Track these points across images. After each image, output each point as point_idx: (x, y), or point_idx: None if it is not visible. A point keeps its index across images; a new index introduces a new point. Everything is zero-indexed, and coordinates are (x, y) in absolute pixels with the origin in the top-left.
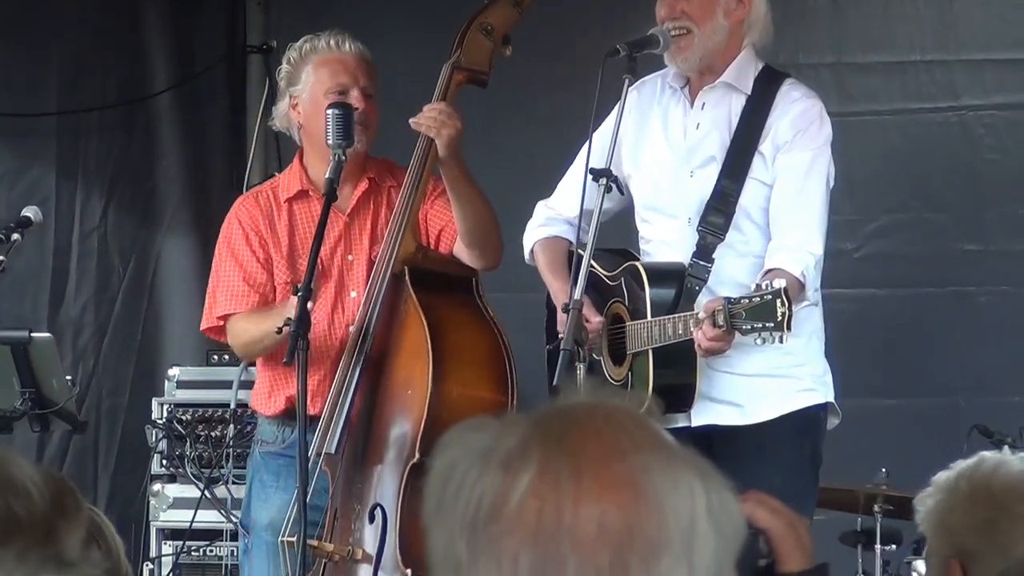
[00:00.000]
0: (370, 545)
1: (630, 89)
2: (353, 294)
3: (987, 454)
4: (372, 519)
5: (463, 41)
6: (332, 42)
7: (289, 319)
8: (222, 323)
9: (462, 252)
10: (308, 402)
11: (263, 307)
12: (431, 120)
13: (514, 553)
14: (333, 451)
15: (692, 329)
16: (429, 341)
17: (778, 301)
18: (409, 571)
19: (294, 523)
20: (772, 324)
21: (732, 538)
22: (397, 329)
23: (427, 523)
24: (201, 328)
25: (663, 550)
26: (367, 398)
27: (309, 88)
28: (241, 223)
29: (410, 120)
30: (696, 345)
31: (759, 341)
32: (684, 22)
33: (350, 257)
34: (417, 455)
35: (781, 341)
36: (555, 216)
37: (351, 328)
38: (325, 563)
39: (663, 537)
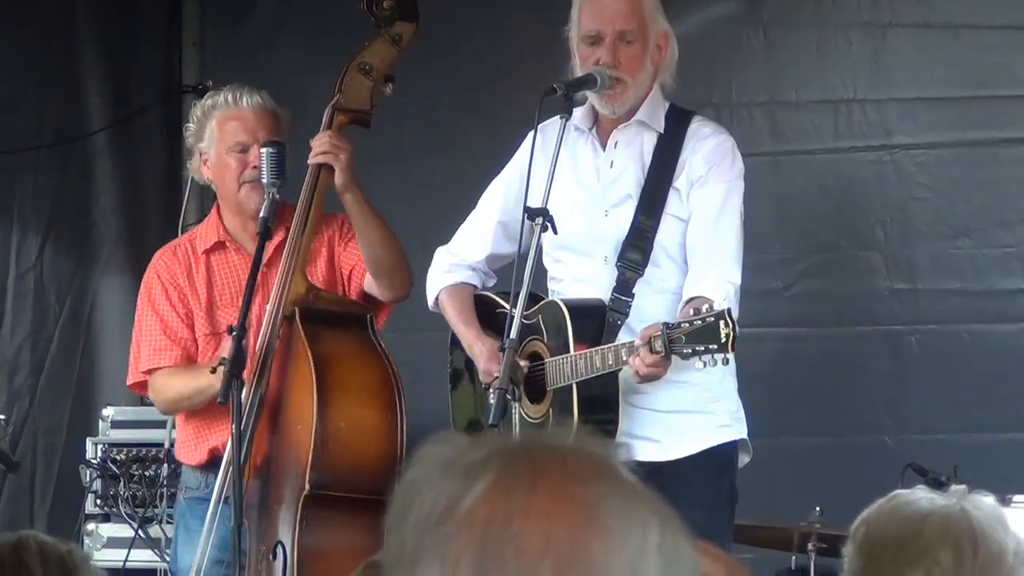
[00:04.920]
0: None
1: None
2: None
3: (900, 493)
4: (275, 556)
5: (343, 82)
6: (230, 97)
7: (223, 359)
8: (147, 378)
9: (372, 286)
10: (227, 449)
11: (189, 364)
12: (325, 147)
13: (458, 554)
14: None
15: (624, 358)
16: (313, 373)
17: (721, 323)
18: None
19: (208, 570)
20: (715, 346)
21: None
22: (290, 369)
23: (387, 529)
24: (128, 383)
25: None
26: (269, 441)
27: (214, 145)
28: (160, 277)
29: (308, 161)
30: (633, 373)
31: (700, 365)
32: (622, 73)
33: (268, 307)
34: (307, 486)
35: (725, 363)
36: (458, 262)
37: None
38: None
39: (607, 563)
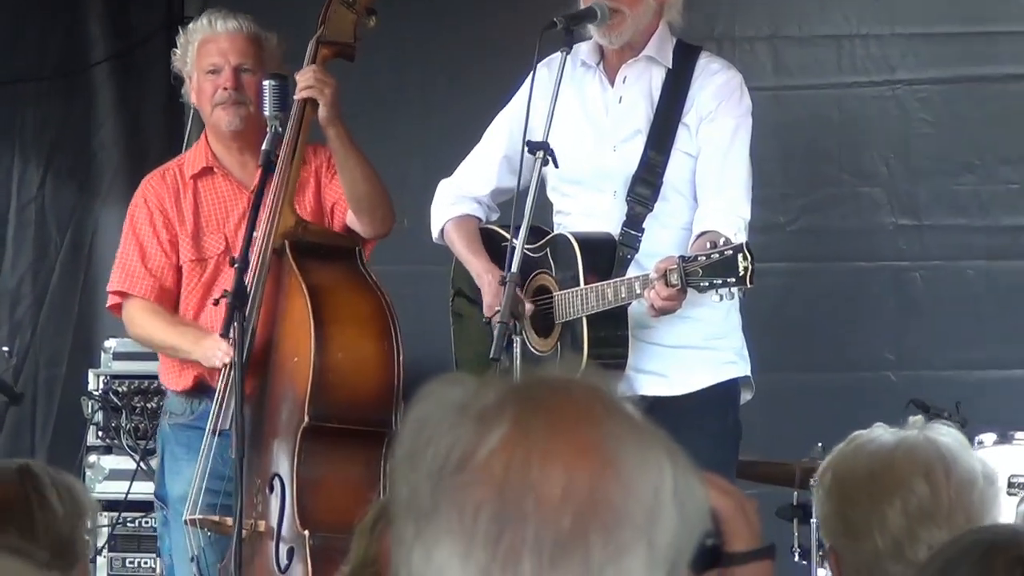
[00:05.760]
0: (273, 516)
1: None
2: None
3: (859, 433)
4: (272, 489)
5: (326, 15)
6: (206, 21)
7: (226, 291)
8: (119, 300)
9: (353, 222)
10: (212, 378)
11: (164, 300)
12: (310, 82)
13: (477, 504)
14: (228, 427)
15: (638, 291)
16: (309, 306)
17: (740, 256)
18: (307, 532)
19: (200, 500)
20: (734, 279)
21: (695, 524)
22: (283, 301)
23: (394, 472)
24: (107, 306)
25: (625, 522)
26: (260, 374)
27: (194, 69)
28: (147, 202)
29: (295, 97)
30: (648, 306)
31: (716, 298)
32: (619, 3)
33: (255, 234)
34: (306, 418)
35: (743, 296)
36: (463, 195)
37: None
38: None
39: (626, 509)
